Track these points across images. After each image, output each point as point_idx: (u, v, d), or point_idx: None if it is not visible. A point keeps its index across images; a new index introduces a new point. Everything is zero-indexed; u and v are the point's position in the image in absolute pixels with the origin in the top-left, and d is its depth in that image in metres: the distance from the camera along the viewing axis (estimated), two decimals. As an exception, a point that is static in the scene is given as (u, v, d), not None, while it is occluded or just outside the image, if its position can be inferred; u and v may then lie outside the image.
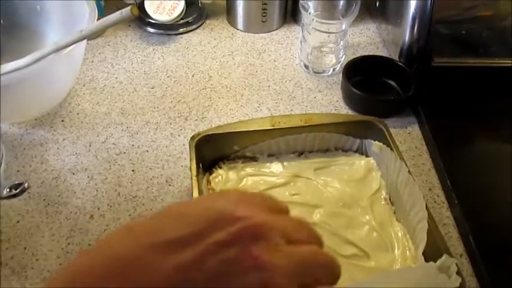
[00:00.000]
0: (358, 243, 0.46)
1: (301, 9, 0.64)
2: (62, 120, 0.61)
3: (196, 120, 0.61)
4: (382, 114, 0.58)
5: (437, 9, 0.60)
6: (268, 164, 0.53)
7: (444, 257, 0.40)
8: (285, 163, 0.53)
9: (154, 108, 0.63)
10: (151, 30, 0.74)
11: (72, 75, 0.60)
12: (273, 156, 0.54)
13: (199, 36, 0.75)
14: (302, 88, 0.66)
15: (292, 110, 0.63)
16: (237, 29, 0.76)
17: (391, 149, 0.50)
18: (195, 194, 0.47)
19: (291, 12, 0.78)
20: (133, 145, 0.58)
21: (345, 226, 0.48)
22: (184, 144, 0.58)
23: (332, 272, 0.26)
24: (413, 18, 0.62)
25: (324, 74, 0.68)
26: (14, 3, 0.63)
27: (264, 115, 0.62)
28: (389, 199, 0.50)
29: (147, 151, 0.57)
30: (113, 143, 0.58)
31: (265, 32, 0.76)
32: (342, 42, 0.66)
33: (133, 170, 0.55)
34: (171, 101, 0.64)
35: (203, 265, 0.22)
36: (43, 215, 0.51)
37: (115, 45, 0.72)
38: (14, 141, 0.58)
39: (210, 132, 0.52)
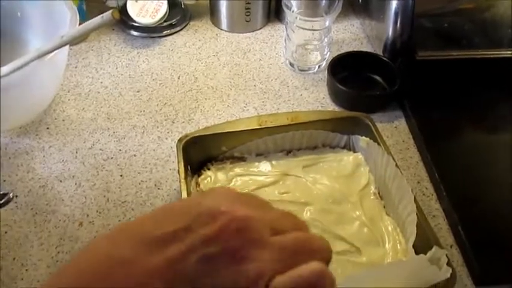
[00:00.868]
0: (349, 239, 0.46)
1: (284, 7, 0.64)
2: (48, 128, 0.60)
3: (183, 122, 0.61)
4: (369, 110, 0.58)
5: (420, 3, 0.61)
6: (256, 164, 0.53)
7: (434, 248, 0.40)
8: (273, 162, 0.53)
9: (141, 112, 0.62)
10: (135, 33, 0.74)
11: (55, 81, 0.60)
12: (261, 155, 0.54)
13: (183, 38, 0.74)
14: (288, 86, 0.67)
15: (278, 108, 0.63)
16: (221, 29, 0.76)
17: (378, 143, 0.51)
18: (184, 196, 0.46)
19: (274, 11, 0.78)
20: (120, 150, 0.58)
21: (335, 222, 0.48)
22: (171, 147, 0.57)
23: (322, 253, 0.26)
24: (396, 13, 0.62)
25: (310, 72, 0.69)
26: (-6, 11, 0.62)
27: (251, 115, 0.62)
28: (379, 193, 0.51)
29: (135, 155, 0.57)
30: (100, 149, 0.58)
31: (249, 32, 0.76)
32: (326, 39, 0.67)
33: (121, 175, 0.55)
34: (157, 104, 0.63)
35: (191, 259, 0.23)
36: (31, 225, 0.50)
37: (99, 50, 0.71)
38: (-1, 150, 0.57)
39: (197, 134, 0.52)
